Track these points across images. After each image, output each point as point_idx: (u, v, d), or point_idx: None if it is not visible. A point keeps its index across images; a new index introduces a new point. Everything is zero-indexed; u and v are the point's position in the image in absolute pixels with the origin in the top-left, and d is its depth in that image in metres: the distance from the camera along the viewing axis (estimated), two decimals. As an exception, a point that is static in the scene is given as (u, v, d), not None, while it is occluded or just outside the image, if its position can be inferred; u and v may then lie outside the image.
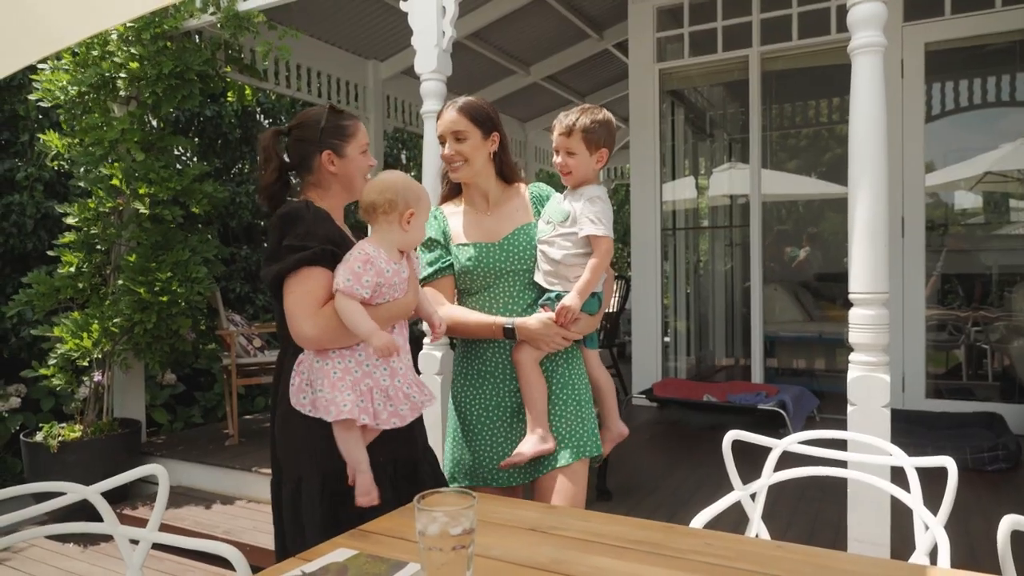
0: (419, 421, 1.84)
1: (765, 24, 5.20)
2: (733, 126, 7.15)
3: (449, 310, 1.94)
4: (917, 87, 4.77)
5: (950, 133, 5.65)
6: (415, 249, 1.82)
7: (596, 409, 2.03)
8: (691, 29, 5.47)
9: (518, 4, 5.83)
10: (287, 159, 1.83)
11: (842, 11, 4.44)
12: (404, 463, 1.78)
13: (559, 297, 1.88)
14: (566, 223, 1.89)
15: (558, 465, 1.88)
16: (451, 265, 1.98)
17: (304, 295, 1.63)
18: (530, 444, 1.85)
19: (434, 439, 3.00)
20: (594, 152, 1.90)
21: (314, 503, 1.66)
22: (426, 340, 3.06)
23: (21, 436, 4.20)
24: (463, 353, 2.04)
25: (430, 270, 1.98)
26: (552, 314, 1.86)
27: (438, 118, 1.99)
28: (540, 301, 1.93)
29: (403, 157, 9.39)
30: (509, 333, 1.88)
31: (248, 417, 5.50)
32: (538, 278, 1.94)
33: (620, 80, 7.51)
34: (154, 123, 4.41)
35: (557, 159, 1.93)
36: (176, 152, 4.49)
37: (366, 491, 1.62)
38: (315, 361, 1.66)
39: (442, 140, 1.97)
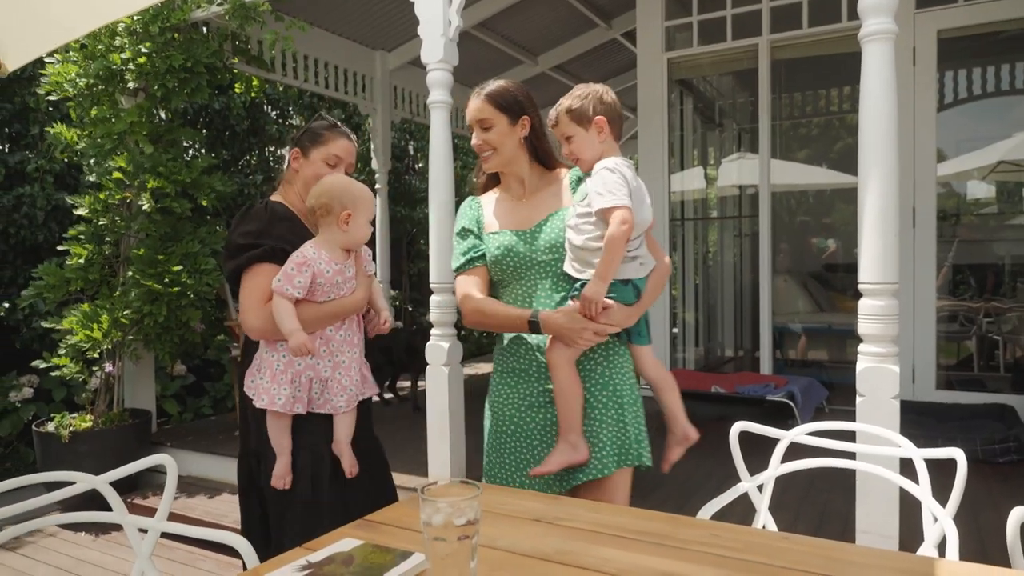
0: (362, 415, 1.94)
1: (775, 12, 5.14)
2: (742, 115, 7.10)
3: (477, 302, 1.86)
4: (929, 75, 4.71)
5: (962, 122, 5.59)
6: (362, 248, 1.89)
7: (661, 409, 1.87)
8: (700, 17, 5.42)
9: (525, -7, 5.79)
10: None
11: (853, -2, 4.38)
12: (323, 455, 1.87)
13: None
14: (583, 203, 1.76)
15: (596, 475, 1.74)
16: (483, 255, 1.89)
17: (253, 290, 1.79)
18: (558, 454, 1.73)
19: (437, 432, 3.03)
20: (589, 127, 1.78)
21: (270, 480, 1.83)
22: (433, 332, 3.07)
23: (33, 426, 4.24)
24: (499, 349, 1.95)
25: (462, 259, 1.91)
26: (578, 304, 1.70)
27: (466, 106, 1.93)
28: (570, 292, 1.78)
29: (410, 148, 9.36)
30: (534, 327, 1.75)
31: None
32: (567, 267, 1.79)
33: (628, 69, 7.45)
34: (163, 115, 4.42)
35: (563, 151, 1.85)
36: (184, 144, 4.49)
37: (281, 475, 1.80)
38: (264, 351, 1.82)
39: (471, 129, 1.91)
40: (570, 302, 1.74)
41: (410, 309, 8.42)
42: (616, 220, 1.65)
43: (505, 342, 1.90)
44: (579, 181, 1.86)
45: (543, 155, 1.92)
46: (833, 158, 7.49)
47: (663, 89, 5.54)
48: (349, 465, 1.86)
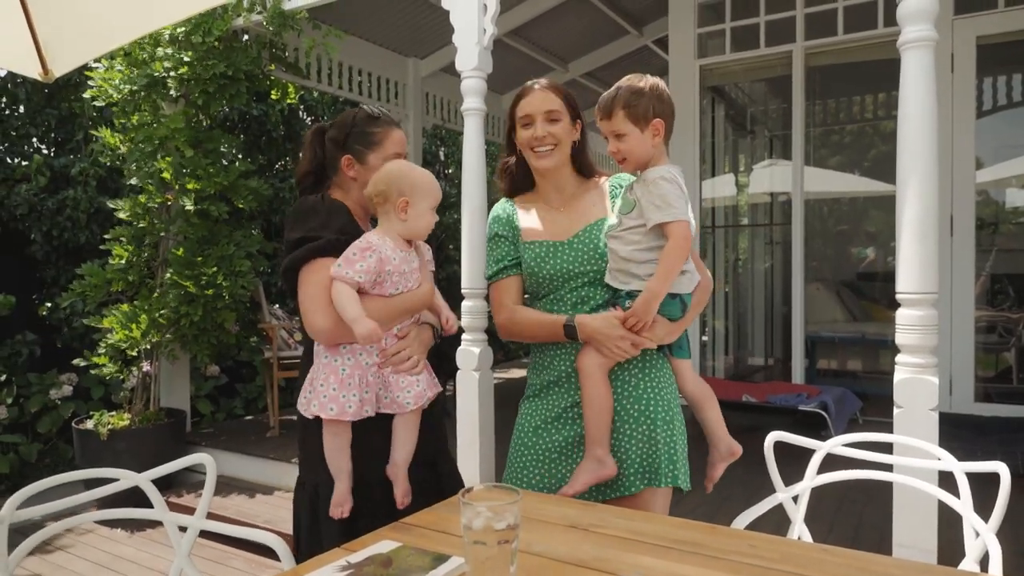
0: (431, 429, 1.77)
1: (809, 18, 5.10)
2: (775, 122, 7.04)
3: (510, 311, 1.79)
4: (968, 82, 4.63)
5: (1002, 129, 5.49)
6: (424, 241, 1.74)
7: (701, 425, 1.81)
8: (733, 24, 5.39)
9: (558, 0, 5.81)
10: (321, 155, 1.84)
11: (890, 4, 4.33)
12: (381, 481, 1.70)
13: (631, 296, 1.64)
14: (632, 214, 1.66)
15: (622, 492, 1.68)
16: (518, 263, 1.80)
17: (315, 286, 1.60)
18: (585, 472, 1.64)
19: (467, 438, 3.04)
20: (645, 127, 1.65)
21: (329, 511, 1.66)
22: (464, 336, 3.09)
23: (73, 423, 4.35)
24: (533, 363, 1.85)
25: (495, 268, 1.83)
26: (621, 312, 1.63)
27: (516, 101, 1.80)
28: (612, 299, 1.70)
29: (441, 154, 9.43)
30: (570, 331, 1.67)
31: (289, 409, 5.61)
32: (608, 278, 1.71)
33: (660, 76, 7.42)
34: (203, 121, 4.52)
35: (609, 147, 1.70)
36: (222, 149, 4.59)
37: (340, 502, 1.62)
38: (324, 357, 1.64)
39: (527, 120, 1.76)
40: (611, 309, 1.67)
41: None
42: (678, 235, 1.59)
43: (538, 357, 1.82)
44: (619, 189, 1.80)
45: (583, 164, 1.85)
46: (867, 165, 7.38)
47: (695, 96, 5.52)
48: (402, 494, 1.67)
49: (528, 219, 1.83)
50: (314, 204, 1.71)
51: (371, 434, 1.66)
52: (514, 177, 1.88)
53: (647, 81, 1.69)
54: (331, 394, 1.59)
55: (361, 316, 1.53)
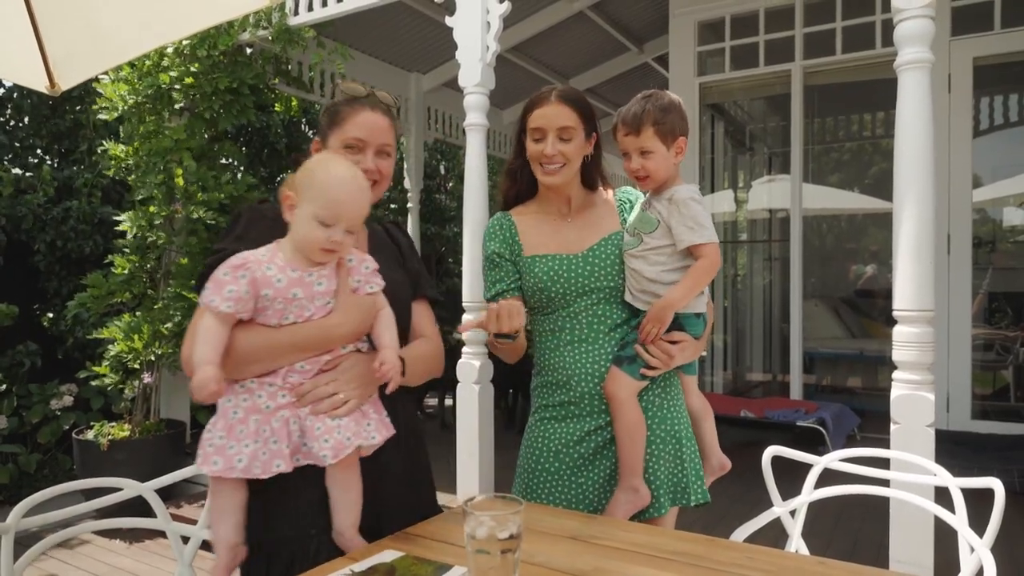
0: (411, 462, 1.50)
1: (808, 38, 5.16)
2: (773, 139, 7.10)
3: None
4: (965, 102, 4.68)
5: (999, 148, 5.54)
6: (352, 256, 1.36)
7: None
8: (733, 43, 5.45)
9: (559, 18, 5.89)
10: None
11: (887, 25, 4.38)
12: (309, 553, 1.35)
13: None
14: (655, 234, 1.62)
15: (654, 515, 1.63)
16: (517, 285, 1.71)
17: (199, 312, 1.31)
18: (623, 504, 1.58)
19: (466, 450, 3.05)
20: (671, 144, 1.62)
21: None
22: (465, 349, 3.11)
23: (73, 434, 4.35)
24: (541, 384, 1.74)
25: (493, 290, 1.72)
26: (667, 347, 1.59)
27: (531, 109, 1.68)
28: (638, 322, 1.64)
29: (442, 168, 9.50)
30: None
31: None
32: (630, 299, 1.67)
33: (659, 93, 7.49)
34: (205, 133, 4.56)
35: (629, 163, 1.63)
36: (224, 161, 4.63)
37: None
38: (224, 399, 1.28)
39: (538, 134, 1.64)
40: (637, 347, 1.63)
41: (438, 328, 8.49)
42: (712, 256, 1.59)
43: (552, 376, 1.71)
44: (629, 204, 1.76)
45: (592, 176, 1.76)
46: (865, 183, 7.44)
47: (695, 113, 5.58)
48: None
49: (532, 232, 1.73)
50: (243, 211, 1.46)
51: (306, 489, 1.32)
52: (519, 182, 1.77)
53: (670, 97, 1.63)
54: (217, 443, 1.24)
55: (207, 362, 1.18)
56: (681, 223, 1.58)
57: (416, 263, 1.65)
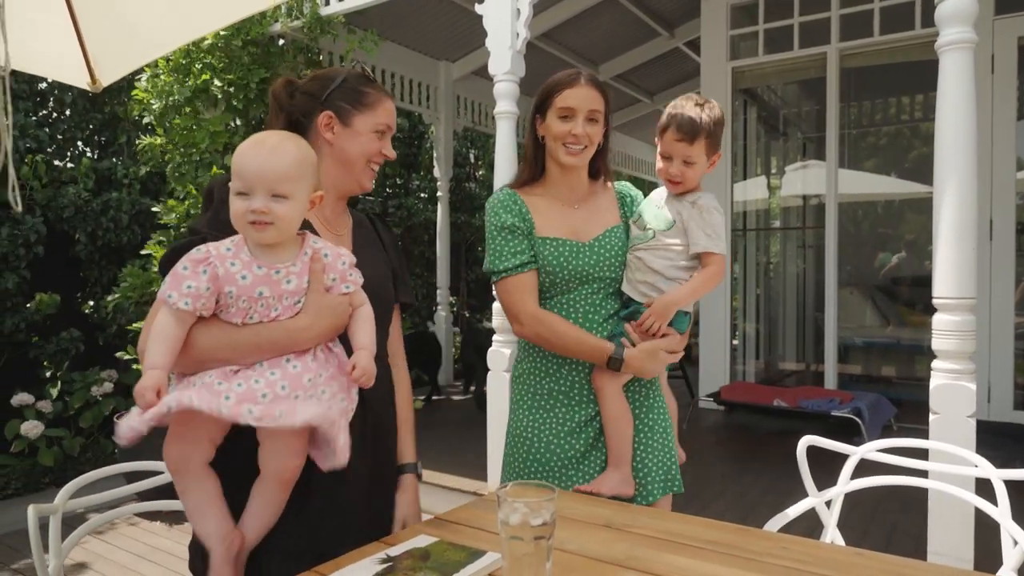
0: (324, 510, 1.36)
1: (845, 20, 5.04)
2: (808, 124, 6.96)
3: (540, 313, 1.66)
4: (1009, 83, 4.54)
5: (1045, 131, 5.35)
6: (322, 247, 1.26)
7: None
8: (766, 26, 5.35)
9: (589, 3, 5.84)
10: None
11: (928, 4, 4.27)
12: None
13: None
14: (670, 232, 1.66)
15: (645, 502, 1.67)
16: (535, 258, 1.68)
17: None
18: (609, 480, 1.64)
19: (497, 437, 3.06)
20: (712, 155, 1.67)
21: None
22: (496, 337, 3.12)
23: (115, 418, 4.47)
24: (528, 371, 1.74)
25: (512, 261, 1.66)
26: (657, 341, 1.64)
27: (559, 89, 1.66)
28: (629, 312, 1.69)
29: (471, 156, 9.51)
30: (615, 364, 1.61)
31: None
32: (627, 288, 1.69)
33: (691, 78, 7.41)
34: (239, 124, 4.62)
35: (668, 167, 1.66)
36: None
37: None
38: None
39: (567, 113, 1.65)
40: (627, 326, 1.67)
41: (467, 315, 8.55)
42: (720, 266, 1.65)
43: (540, 363, 1.72)
44: (626, 200, 1.80)
45: (598, 166, 1.78)
46: (904, 167, 7.26)
47: (727, 98, 5.49)
48: None
49: (541, 213, 1.71)
50: (213, 186, 1.34)
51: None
52: (532, 168, 1.75)
53: (720, 109, 1.68)
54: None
55: (153, 364, 1.11)
56: (701, 228, 1.64)
57: (397, 262, 1.59)
